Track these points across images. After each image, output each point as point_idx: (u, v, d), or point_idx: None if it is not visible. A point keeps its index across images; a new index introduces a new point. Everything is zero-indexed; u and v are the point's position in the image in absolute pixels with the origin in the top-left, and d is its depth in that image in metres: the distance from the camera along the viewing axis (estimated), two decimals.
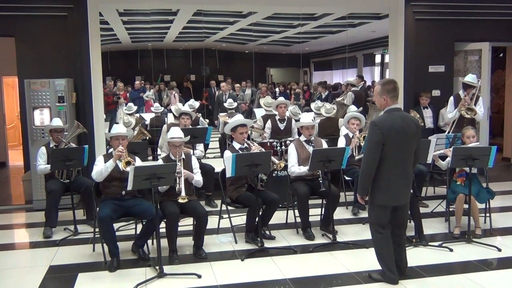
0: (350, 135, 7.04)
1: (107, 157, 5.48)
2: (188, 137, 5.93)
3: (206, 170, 7.08)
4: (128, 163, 5.13)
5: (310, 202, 6.09)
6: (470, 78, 7.42)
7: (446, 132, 7.28)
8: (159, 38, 10.48)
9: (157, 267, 4.92)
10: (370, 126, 4.52)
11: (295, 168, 6.10)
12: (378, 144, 4.38)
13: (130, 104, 9.58)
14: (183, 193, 5.16)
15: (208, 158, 8.39)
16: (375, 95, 4.64)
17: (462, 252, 5.46)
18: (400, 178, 4.49)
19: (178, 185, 5.22)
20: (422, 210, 6.56)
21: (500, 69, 11.58)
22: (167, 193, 5.41)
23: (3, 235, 6.42)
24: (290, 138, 7.78)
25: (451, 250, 5.49)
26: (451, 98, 7.79)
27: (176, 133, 5.55)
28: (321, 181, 5.95)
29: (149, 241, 5.61)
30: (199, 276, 4.87)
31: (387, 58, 9.95)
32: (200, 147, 7.34)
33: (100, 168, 5.28)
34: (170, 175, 5.00)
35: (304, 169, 6.00)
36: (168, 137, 5.60)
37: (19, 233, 6.75)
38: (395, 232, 4.67)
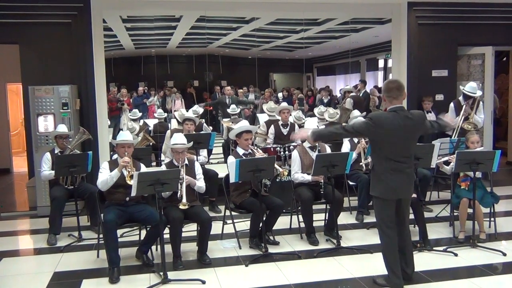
0: (355, 140, 7.03)
1: (112, 164, 5.48)
2: (191, 143, 5.94)
3: (210, 175, 7.09)
4: (132, 177, 5.11)
5: (314, 207, 6.09)
6: (469, 88, 7.37)
7: (453, 137, 7.26)
8: (163, 44, 10.53)
9: (161, 273, 4.92)
10: (366, 118, 4.68)
11: (298, 175, 6.10)
12: (362, 129, 4.50)
13: (135, 110, 9.62)
14: (184, 200, 5.16)
15: (211, 163, 8.40)
16: None
17: (467, 256, 5.44)
18: (398, 172, 4.44)
19: (179, 191, 5.23)
20: (427, 214, 6.55)
21: (504, 73, 11.56)
22: (170, 198, 5.42)
23: (8, 242, 6.43)
24: (293, 144, 7.78)
25: (455, 254, 5.47)
26: (452, 104, 7.78)
27: (179, 139, 5.56)
28: (322, 192, 6.01)
29: (153, 247, 5.61)
30: (203, 282, 4.87)
31: (390, 63, 9.97)
32: (203, 152, 7.35)
33: (105, 178, 5.28)
34: (173, 181, 5.00)
35: (307, 178, 6.01)
36: (171, 143, 5.60)
37: (24, 239, 6.76)
38: (399, 233, 4.64)
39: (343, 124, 5.93)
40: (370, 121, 4.46)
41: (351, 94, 10.23)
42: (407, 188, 4.57)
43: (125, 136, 5.51)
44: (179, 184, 5.19)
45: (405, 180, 4.51)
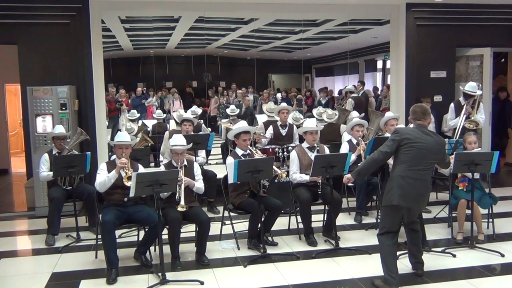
0: (354, 141, 7.03)
1: (110, 164, 5.47)
2: (191, 145, 5.93)
3: (208, 176, 7.09)
4: (130, 178, 5.10)
5: (313, 208, 6.08)
6: (469, 87, 7.38)
7: (454, 138, 7.26)
8: (161, 45, 10.53)
9: (160, 274, 4.91)
10: (392, 133, 4.90)
11: (296, 175, 6.10)
12: (392, 145, 4.66)
13: (134, 110, 9.61)
14: (182, 202, 5.16)
15: (210, 164, 8.40)
16: None
17: (465, 257, 5.45)
18: (415, 180, 4.58)
19: (177, 193, 5.22)
20: (425, 215, 6.54)
21: (502, 75, 11.57)
22: (168, 199, 5.41)
23: (6, 242, 6.42)
24: (292, 144, 7.78)
25: (454, 255, 5.48)
26: (452, 105, 7.78)
27: (178, 140, 5.55)
28: (319, 192, 6.00)
29: (152, 248, 5.61)
30: (202, 283, 4.87)
31: (388, 64, 9.98)
32: (202, 153, 7.35)
33: (103, 179, 5.26)
34: (172, 181, 5.00)
35: (305, 178, 6.01)
36: (170, 145, 5.60)
37: (22, 240, 6.75)
38: (411, 230, 4.93)
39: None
40: (395, 134, 4.73)
41: (353, 95, 10.24)
42: (418, 198, 4.69)
43: (123, 137, 5.49)
44: (177, 186, 5.19)
45: (420, 189, 4.63)
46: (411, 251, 4.99)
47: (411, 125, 5.00)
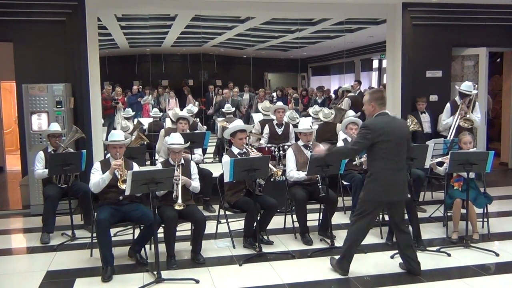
0: (349, 139, 7.04)
1: (104, 164, 5.44)
2: (188, 143, 5.92)
3: (204, 175, 7.08)
4: (124, 182, 5.07)
5: (308, 207, 6.09)
6: (465, 86, 7.41)
7: (449, 137, 7.27)
8: (157, 43, 10.51)
9: (155, 272, 4.91)
10: (360, 128, 4.86)
11: (294, 173, 6.10)
12: (364, 144, 4.69)
13: (128, 109, 9.59)
14: (179, 200, 5.16)
15: (206, 163, 8.39)
16: (364, 104, 4.94)
17: (460, 257, 5.46)
18: (395, 171, 4.66)
19: (175, 191, 5.22)
20: (420, 215, 6.57)
21: (497, 74, 11.60)
22: (165, 198, 5.40)
23: (1, 240, 6.40)
24: (288, 143, 7.79)
25: (449, 255, 5.50)
26: (448, 105, 7.80)
27: (176, 139, 5.54)
28: (320, 187, 5.95)
29: (147, 246, 5.60)
30: (197, 281, 4.87)
31: (384, 63, 9.99)
32: (198, 151, 7.34)
33: (97, 181, 5.24)
34: (168, 180, 4.99)
35: (302, 174, 6.01)
36: (168, 143, 5.58)
37: (16, 238, 6.73)
38: (401, 231, 4.93)
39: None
40: (365, 129, 4.71)
41: (349, 94, 10.24)
42: (402, 189, 4.77)
43: (116, 136, 5.43)
44: (174, 185, 5.19)
45: (402, 179, 4.73)
46: (407, 255, 4.94)
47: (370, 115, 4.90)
